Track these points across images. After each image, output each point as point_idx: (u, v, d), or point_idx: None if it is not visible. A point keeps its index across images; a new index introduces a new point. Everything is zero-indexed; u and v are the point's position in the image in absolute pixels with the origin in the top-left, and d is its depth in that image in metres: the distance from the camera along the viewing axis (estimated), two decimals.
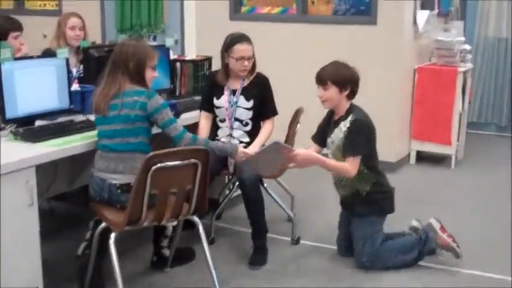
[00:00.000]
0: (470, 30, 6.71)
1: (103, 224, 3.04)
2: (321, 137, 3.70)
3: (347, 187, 3.58)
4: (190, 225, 3.25)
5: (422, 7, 5.63)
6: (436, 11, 5.84)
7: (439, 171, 5.63)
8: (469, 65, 5.83)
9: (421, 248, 3.60)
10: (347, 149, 3.44)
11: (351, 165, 3.43)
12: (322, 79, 3.52)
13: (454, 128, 5.61)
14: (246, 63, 3.73)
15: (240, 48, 3.72)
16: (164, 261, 3.53)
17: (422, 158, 5.86)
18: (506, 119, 6.90)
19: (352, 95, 3.54)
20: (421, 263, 3.63)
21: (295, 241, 3.98)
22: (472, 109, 6.81)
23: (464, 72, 5.66)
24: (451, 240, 3.60)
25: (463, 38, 5.73)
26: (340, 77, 3.49)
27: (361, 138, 3.46)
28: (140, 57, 3.14)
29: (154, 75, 3.25)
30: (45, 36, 5.97)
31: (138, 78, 3.14)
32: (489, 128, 7.05)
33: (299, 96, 5.42)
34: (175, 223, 3.33)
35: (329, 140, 3.61)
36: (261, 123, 3.91)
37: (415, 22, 5.55)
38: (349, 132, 3.44)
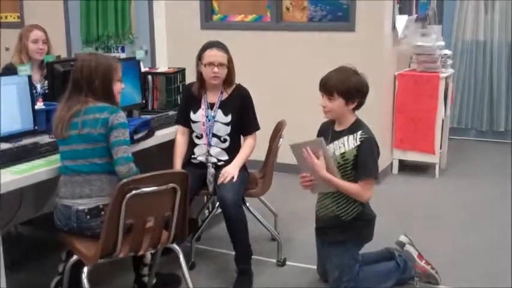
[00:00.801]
0: (447, 34, 6.58)
1: (74, 257, 2.77)
2: None
3: (330, 209, 3.29)
4: (169, 250, 3.01)
5: (401, 12, 5.47)
6: (414, 15, 5.69)
7: (424, 181, 5.47)
8: (450, 70, 5.69)
9: (399, 276, 3.41)
10: (363, 171, 3.15)
11: (365, 189, 3.16)
12: (328, 89, 3.19)
13: (437, 135, 5.45)
14: (216, 69, 3.50)
15: (209, 54, 3.51)
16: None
17: (405, 167, 5.69)
18: (486, 124, 6.78)
19: (358, 107, 3.24)
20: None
21: (282, 263, 3.75)
22: (452, 114, 6.66)
23: (446, 78, 5.51)
24: (429, 268, 3.44)
25: (443, 43, 5.59)
26: (349, 89, 3.16)
27: (375, 159, 3.19)
28: (105, 72, 2.91)
29: (122, 87, 3.03)
30: (7, 49, 5.69)
31: (105, 95, 2.91)
32: (469, 134, 6.92)
33: (279, 107, 5.25)
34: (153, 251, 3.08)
35: None
36: (242, 139, 3.69)
37: (394, 27, 5.39)
38: (362, 152, 3.15)
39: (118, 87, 2.99)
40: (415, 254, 3.45)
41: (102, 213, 2.78)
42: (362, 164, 3.15)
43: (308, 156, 3.14)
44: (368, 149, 3.16)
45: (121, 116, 2.88)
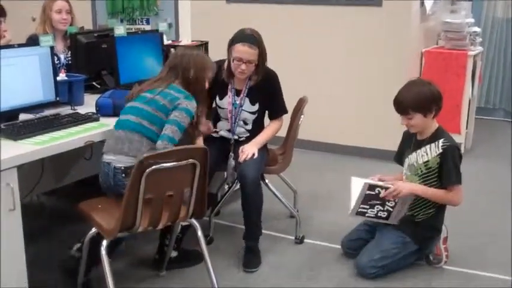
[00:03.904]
0: (477, 11, 6.42)
1: (93, 230, 2.78)
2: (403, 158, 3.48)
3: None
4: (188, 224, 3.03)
5: None
6: None
7: None
8: (479, 48, 5.56)
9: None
10: (450, 177, 3.22)
11: (457, 195, 3.26)
12: (403, 109, 3.24)
13: (464, 115, 5.36)
14: (243, 66, 3.37)
15: (238, 49, 3.36)
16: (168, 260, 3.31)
17: None
18: None
19: (437, 113, 3.27)
20: (420, 262, 3.47)
21: (300, 240, 3.73)
22: (480, 94, 6.54)
23: (474, 56, 5.38)
24: (444, 254, 3.44)
25: (472, 20, 5.45)
26: (421, 102, 3.20)
27: (458, 167, 3.24)
28: (202, 67, 3.11)
29: (206, 88, 3.21)
30: (34, 19, 5.68)
31: (193, 86, 3.08)
32: (497, 114, 6.80)
33: (302, 84, 5.19)
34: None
35: (407, 160, 3.39)
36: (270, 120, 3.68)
37: (422, 3, 5.27)
38: (445, 160, 3.21)
39: (206, 85, 3.16)
40: (443, 235, 3.44)
41: None
42: (446, 172, 3.21)
43: (387, 192, 3.24)
44: (451, 156, 3.21)
45: (191, 105, 2.99)
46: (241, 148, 3.46)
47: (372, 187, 3.26)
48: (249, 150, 3.42)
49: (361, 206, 3.32)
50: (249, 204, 3.42)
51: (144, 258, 3.45)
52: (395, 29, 5.13)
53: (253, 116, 3.56)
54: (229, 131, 3.60)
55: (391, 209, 3.31)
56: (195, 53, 3.17)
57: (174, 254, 3.32)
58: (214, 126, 3.65)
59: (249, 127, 3.59)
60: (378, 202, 3.29)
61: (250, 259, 3.44)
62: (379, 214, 3.33)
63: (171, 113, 2.94)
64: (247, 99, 3.51)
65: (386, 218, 3.34)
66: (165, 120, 2.93)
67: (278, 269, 3.41)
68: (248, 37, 3.38)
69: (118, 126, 2.97)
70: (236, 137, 3.58)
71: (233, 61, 3.39)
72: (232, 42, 3.41)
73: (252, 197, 3.39)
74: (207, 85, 3.16)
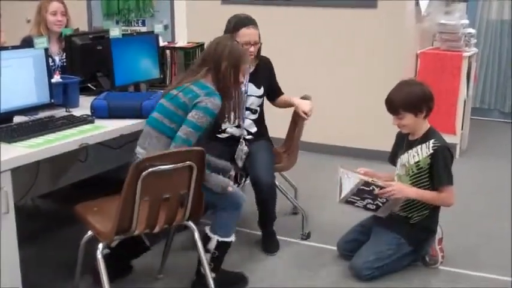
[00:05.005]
0: (472, 12, 6.44)
1: (89, 233, 2.77)
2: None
3: (402, 208, 3.34)
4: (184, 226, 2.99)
5: None
6: None
7: None
8: (474, 50, 5.58)
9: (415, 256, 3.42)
10: (441, 178, 3.22)
11: (448, 196, 3.25)
12: (393, 109, 3.24)
13: (459, 116, 5.38)
14: (252, 49, 3.47)
15: (246, 33, 3.45)
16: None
17: None
18: (509, 105, 6.67)
19: (428, 113, 3.26)
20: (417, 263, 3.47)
21: (306, 236, 3.76)
22: (475, 95, 6.56)
23: (469, 57, 5.40)
24: (440, 255, 3.44)
25: (467, 21, 5.47)
26: (412, 102, 3.20)
27: (449, 167, 3.24)
28: (236, 59, 2.96)
29: (243, 80, 3.10)
30: (28, 21, 5.67)
31: (225, 79, 2.94)
32: (492, 114, 6.84)
33: (299, 84, 5.16)
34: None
35: (400, 161, 3.38)
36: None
37: (417, 4, 5.28)
38: (436, 161, 3.20)
39: (241, 78, 3.03)
40: (438, 236, 3.44)
41: None
42: (437, 173, 3.21)
43: (382, 191, 3.19)
44: (442, 157, 3.21)
45: (212, 102, 2.84)
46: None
47: (367, 184, 3.23)
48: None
49: (352, 196, 3.29)
50: (263, 203, 3.49)
51: (142, 260, 3.42)
52: (391, 31, 5.13)
53: (260, 100, 3.63)
54: (236, 126, 3.59)
55: (380, 205, 3.29)
56: (231, 43, 3.01)
57: (212, 275, 2.98)
58: (219, 126, 3.64)
59: (256, 116, 3.63)
60: (369, 197, 3.27)
61: (270, 243, 3.57)
62: (368, 206, 3.31)
63: (189, 111, 2.84)
64: (251, 85, 3.57)
65: (375, 211, 3.32)
66: (185, 119, 2.86)
67: (275, 269, 3.41)
68: (249, 19, 3.51)
69: (147, 121, 3.00)
70: (245, 132, 3.61)
71: (242, 47, 3.41)
72: (234, 29, 3.46)
73: (266, 198, 3.47)
74: (242, 78, 3.04)
